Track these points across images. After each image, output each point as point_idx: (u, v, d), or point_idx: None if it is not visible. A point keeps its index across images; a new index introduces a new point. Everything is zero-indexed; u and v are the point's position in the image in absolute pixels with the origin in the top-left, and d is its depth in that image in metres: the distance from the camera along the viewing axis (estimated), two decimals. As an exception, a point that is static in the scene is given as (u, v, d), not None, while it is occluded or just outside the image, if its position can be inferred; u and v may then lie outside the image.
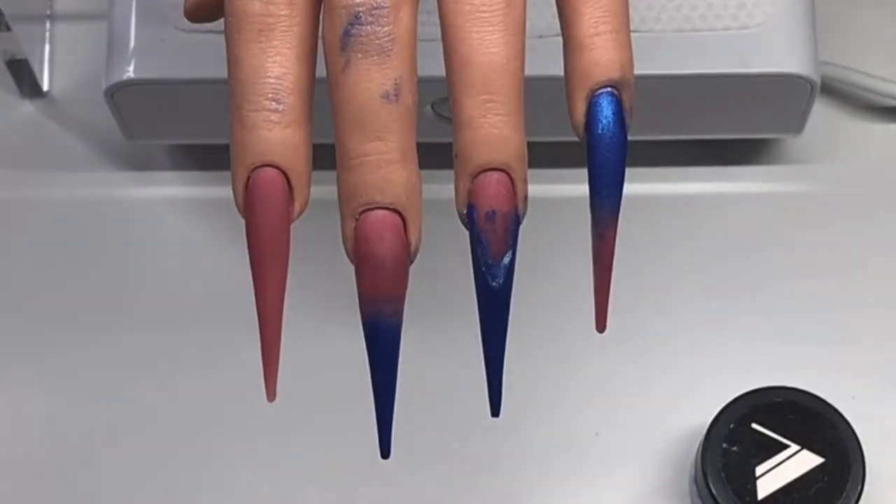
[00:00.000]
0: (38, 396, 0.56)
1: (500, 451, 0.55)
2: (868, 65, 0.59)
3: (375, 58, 0.33)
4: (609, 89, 0.35)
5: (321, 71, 0.34)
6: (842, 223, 0.58)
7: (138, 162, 0.60)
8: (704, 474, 0.50)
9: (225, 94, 0.34)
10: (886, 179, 0.59)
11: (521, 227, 0.35)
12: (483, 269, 0.34)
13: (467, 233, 0.35)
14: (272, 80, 0.34)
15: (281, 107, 0.34)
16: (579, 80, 0.35)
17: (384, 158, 0.33)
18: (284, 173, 0.34)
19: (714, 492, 0.50)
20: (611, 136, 0.35)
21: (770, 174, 0.59)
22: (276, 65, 0.34)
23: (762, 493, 0.50)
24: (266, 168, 0.34)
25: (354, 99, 0.33)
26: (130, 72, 0.53)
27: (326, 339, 0.56)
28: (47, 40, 0.62)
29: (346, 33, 0.33)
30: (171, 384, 0.56)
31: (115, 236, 0.59)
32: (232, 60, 0.34)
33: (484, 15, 0.34)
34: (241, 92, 0.34)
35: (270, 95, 0.34)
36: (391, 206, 0.34)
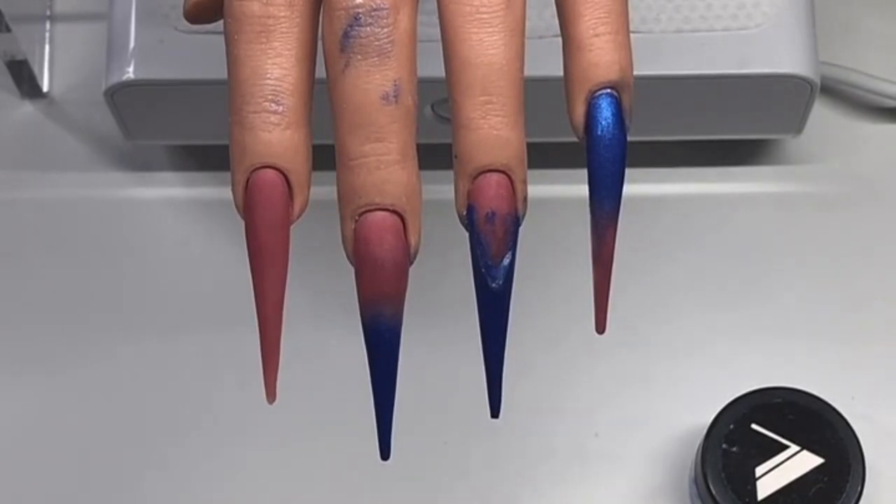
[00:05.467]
0: (37, 396, 0.56)
1: (499, 452, 0.55)
2: (868, 65, 0.59)
3: (375, 59, 0.33)
4: (608, 90, 0.35)
5: (321, 72, 0.34)
6: (842, 223, 0.58)
7: (138, 162, 0.60)
8: (704, 475, 0.50)
9: (225, 95, 0.34)
10: (886, 179, 0.59)
11: (521, 228, 0.35)
12: (483, 270, 0.34)
13: (467, 234, 0.35)
14: (272, 82, 0.34)
15: (280, 108, 0.34)
16: (579, 81, 0.35)
17: (384, 160, 0.33)
18: (284, 174, 0.34)
19: (714, 492, 0.50)
20: (610, 138, 0.35)
21: (770, 174, 0.59)
22: (276, 66, 0.34)
23: (762, 493, 0.50)
24: (266, 169, 0.34)
25: (354, 100, 0.33)
26: (130, 72, 0.53)
27: (326, 340, 0.56)
28: (47, 40, 0.62)
29: (346, 35, 0.33)
30: (170, 384, 0.56)
31: (115, 236, 0.59)
32: (231, 62, 0.34)
33: (483, 16, 0.34)
34: (240, 93, 0.34)
35: (270, 97, 0.34)
36: (391, 208, 0.34)
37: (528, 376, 0.56)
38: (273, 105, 0.34)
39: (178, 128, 0.57)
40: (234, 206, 0.35)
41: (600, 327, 0.37)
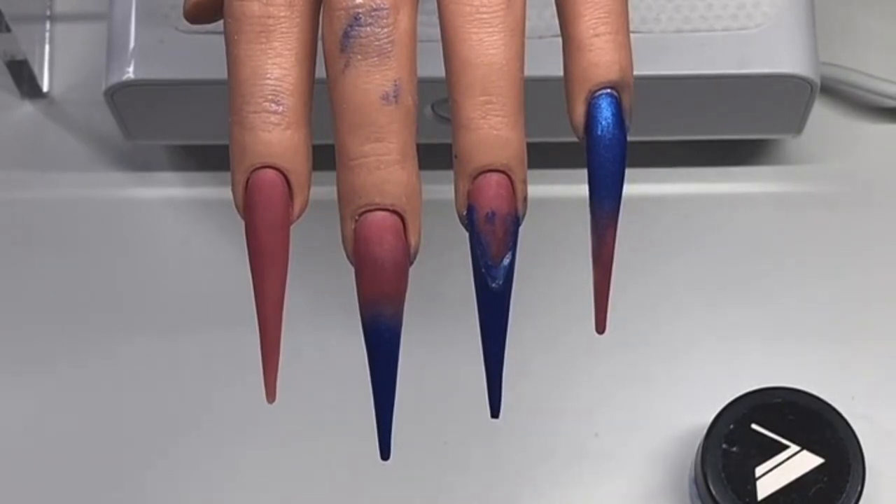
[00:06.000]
0: (37, 396, 0.56)
1: (499, 452, 0.55)
2: (868, 65, 0.59)
3: (375, 59, 0.33)
4: (608, 90, 0.35)
5: (321, 72, 0.34)
6: (842, 223, 0.58)
7: (138, 162, 0.60)
8: (704, 475, 0.50)
9: (225, 95, 0.34)
10: (886, 179, 0.59)
11: (521, 227, 0.35)
12: (483, 270, 0.35)
13: (467, 234, 0.35)
14: (272, 82, 0.34)
15: (280, 108, 0.34)
16: (579, 81, 0.35)
17: (384, 160, 0.33)
18: (284, 174, 0.34)
19: (714, 492, 0.50)
20: (610, 138, 0.35)
21: (770, 174, 0.59)
22: (276, 66, 0.34)
23: (762, 493, 0.50)
24: (266, 169, 0.34)
25: (354, 100, 0.33)
26: (130, 72, 0.53)
27: (326, 340, 0.56)
28: (47, 40, 0.62)
29: (346, 35, 0.33)
30: (170, 384, 0.56)
31: (115, 236, 0.59)
32: (231, 62, 0.34)
33: (483, 16, 0.34)
34: (240, 93, 0.34)
35: (270, 97, 0.34)
36: (391, 208, 0.34)
37: (528, 376, 0.56)
38: (273, 105, 0.34)
39: (178, 128, 0.57)
40: (234, 206, 0.35)
41: (600, 327, 0.37)
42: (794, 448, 0.50)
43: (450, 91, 0.34)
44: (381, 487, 0.55)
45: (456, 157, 0.34)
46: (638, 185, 0.58)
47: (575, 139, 0.36)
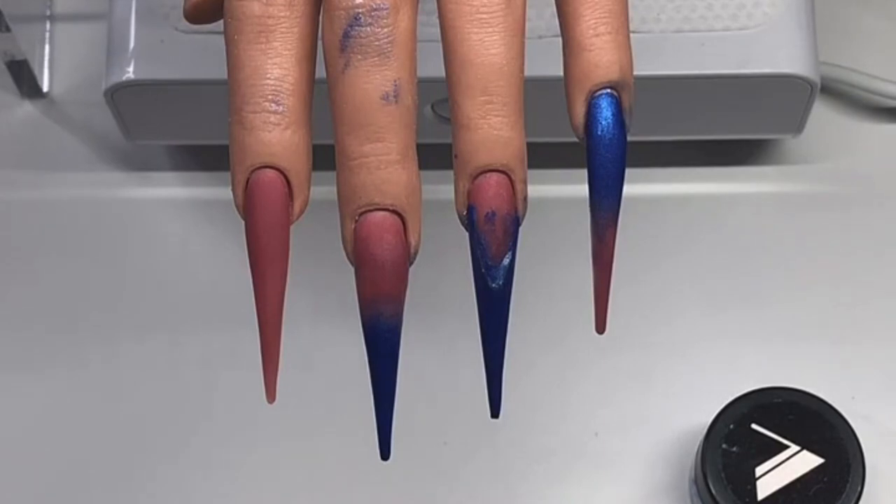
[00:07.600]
0: (37, 396, 0.57)
1: (499, 451, 0.55)
2: (868, 65, 0.59)
3: (375, 59, 0.33)
4: (608, 90, 0.35)
5: (321, 72, 0.34)
6: (842, 223, 0.58)
7: (138, 162, 0.60)
8: (704, 475, 0.50)
9: (225, 95, 0.34)
10: (886, 179, 0.59)
11: (521, 228, 0.35)
12: (483, 270, 0.35)
13: (467, 234, 0.35)
14: (272, 82, 0.34)
15: (281, 108, 0.34)
16: (579, 81, 0.35)
17: (384, 159, 0.33)
18: (284, 174, 0.34)
19: (714, 492, 0.50)
20: (610, 138, 0.35)
21: (770, 174, 0.59)
22: (276, 66, 0.34)
23: (762, 493, 0.50)
24: (266, 169, 0.34)
25: (354, 100, 0.33)
26: (130, 72, 0.53)
27: (326, 340, 0.56)
28: (47, 40, 0.62)
29: (346, 35, 0.33)
30: (170, 385, 0.56)
31: (115, 236, 0.59)
32: (232, 62, 0.34)
33: (483, 16, 0.34)
34: (240, 93, 0.34)
35: (270, 97, 0.34)
36: (391, 208, 0.34)
37: (528, 376, 0.56)
38: (273, 105, 0.34)
39: (178, 128, 0.57)
40: (234, 206, 0.35)
41: (600, 327, 0.37)
42: (794, 448, 0.50)
43: (450, 91, 0.34)
44: (381, 487, 0.55)
45: (456, 157, 0.34)
46: (638, 185, 0.58)
47: (575, 139, 0.36)
